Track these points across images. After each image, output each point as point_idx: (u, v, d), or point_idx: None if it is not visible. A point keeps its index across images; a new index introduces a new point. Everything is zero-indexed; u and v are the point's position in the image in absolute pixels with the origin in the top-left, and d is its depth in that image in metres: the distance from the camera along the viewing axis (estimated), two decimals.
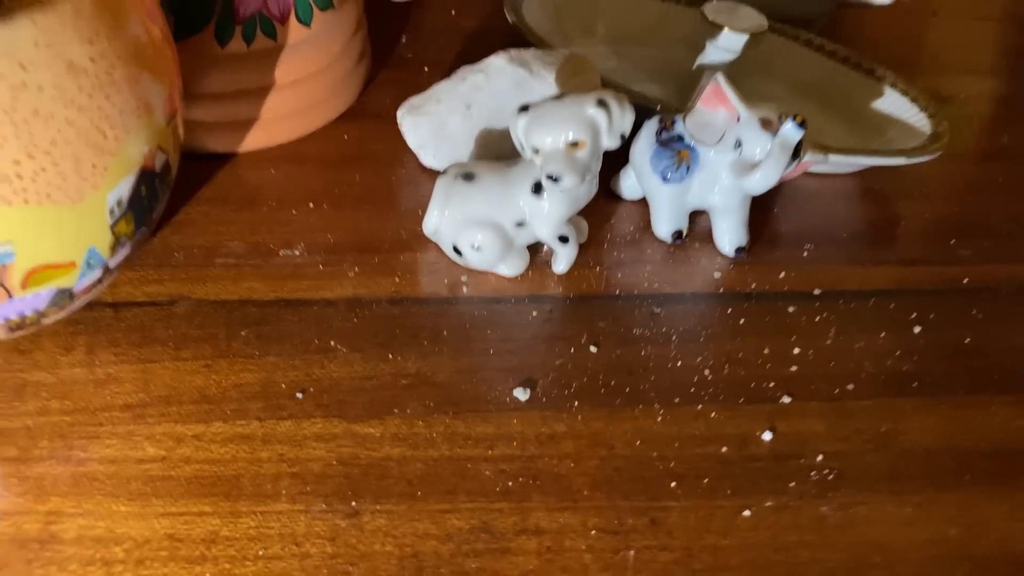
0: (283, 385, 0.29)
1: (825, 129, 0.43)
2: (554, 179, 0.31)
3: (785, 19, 0.47)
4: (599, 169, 0.33)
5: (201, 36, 0.34)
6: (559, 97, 0.32)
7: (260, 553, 0.25)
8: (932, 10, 0.57)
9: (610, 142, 0.31)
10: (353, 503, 0.27)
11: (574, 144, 0.31)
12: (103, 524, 0.25)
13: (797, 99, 0.45)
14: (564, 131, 0.31)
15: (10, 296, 0.25)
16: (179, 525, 0.26)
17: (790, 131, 0.33)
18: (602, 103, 0.31)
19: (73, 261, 0.25)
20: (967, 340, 0.36)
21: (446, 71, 0.45)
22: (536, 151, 0.31)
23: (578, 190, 0.32)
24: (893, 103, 0.43)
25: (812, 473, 0.30)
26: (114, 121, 0.24)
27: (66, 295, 0.26)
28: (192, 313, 0.31)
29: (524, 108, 0.32)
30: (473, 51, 0.46)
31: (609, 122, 0.31)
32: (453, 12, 0.47)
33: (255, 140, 0.37)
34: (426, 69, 0.45)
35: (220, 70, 0.35)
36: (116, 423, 0.28)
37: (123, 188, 0.25)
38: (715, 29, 0.41)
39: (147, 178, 0.26)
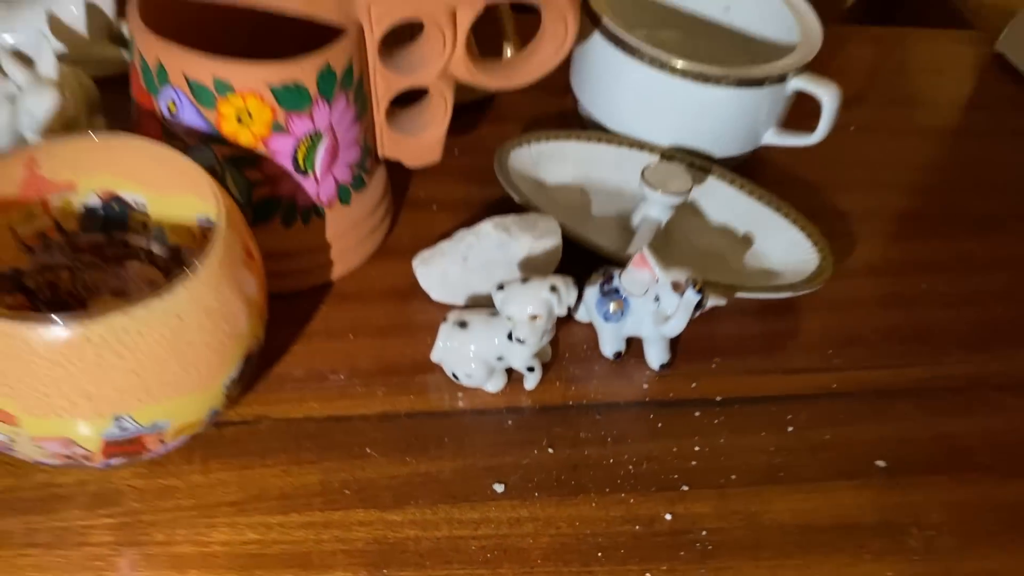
0: (335, 484, 0.43)
1: (732, 262, 0.56)
2: (520, 341, 0.44)
3: (717, 160, 0.60)
4: (553, 326, 0.46)
5: (270, 223, 0.47)
6: (525, 280, 0.44)
7: None
8: (849, 126, 0.69)
9: (560, 312, 0.44)
10: (384, 571, 0.40)
11: (534, 316, 0.44)
12: None
13: (716, 235, 0.57)
14: (527, 307, 0.44)
15: (163, 443, 0.38)
16: None
17: (690, 296, 0.46)
18: (554, 288, 0.44)
19: (202, 419, 0.38)
20: (827, 436, 0.49)
21: (452, 208, 0.58)
22: (508, 317, 0.44)
23: (540, 342, 0.45)
24: (792, 237, 0.56)
25: (697, 544, 0.43)
26: (231, 332, 0.37)
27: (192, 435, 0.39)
28: (271, 429, 0.45)
29: (500, 287, 0.45)
30: (474, 190, 0.58)
31: (559, 301, 0.44)
32: (456, 152, 0.60)
33: (307, 281, 0.50)
34: (435, 207, 0.57)
35: (283, 240, 0.48)
36: (225, 515, 0.41)
37: (235, 371, 0.38)
38: (652, 190, 0.53)
39: (249, 358, 0.39)
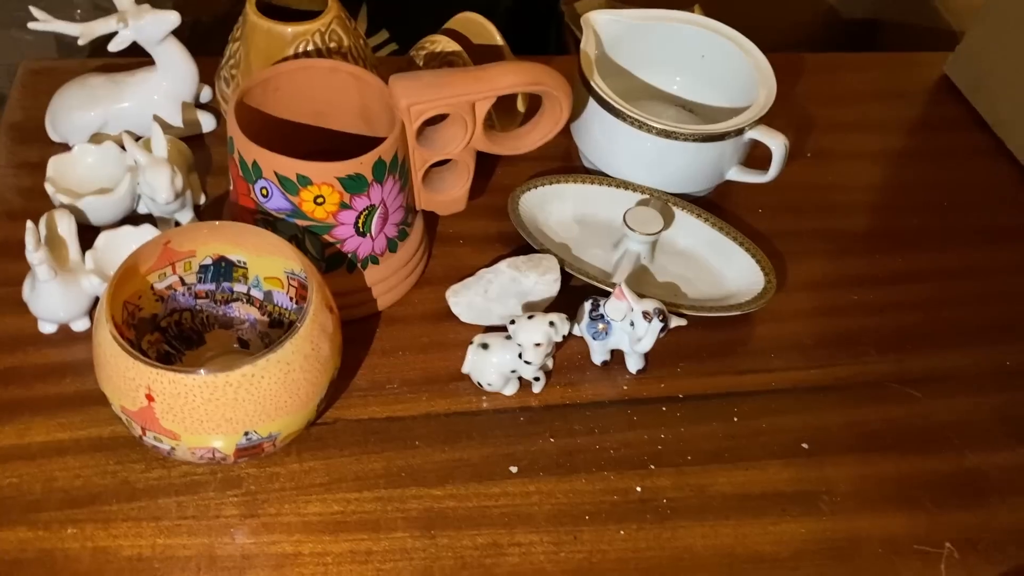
0: (394, 468, 0.58)
1: (696, 282, 0.70)
2: (528, 362, 0.59)
3: (689, 195, 0.73)
4: (552, 349, 0.60)
5: (338, 270, 0.62)
6: (530, 316, 0.59)
7: (387, 556, 0.55)
8: (805, 151, 0.82)
9: (557, 339, 0.59)
10: (431, 531, 0.56)
11: (538, 344, 0.58)
12: (319, 547, 0.55)
13: (685, 259, 0.71)
14: (532, 337, 0.58)
15: (274, 446, 0.53)
16: (353, 545, 0.55)
17: (655, 323, 0.60)
18: (552, 323, 0.58)
19: (302, 428, 0.54)
20: (764, 425, 0.63)
21: (475, 241, 0.72)
22: (519, 344, 0.59)
23: (543, 360, 0.60)
24: (745, 263, 0.70)
25: (659, 510, 0.58)
26: (321, 368, 0.53)
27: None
28: (345, 428, 0.60)
29: (512, 321, 0.59)
30: (492, 225, 0.72)
31: (556, 332, 0.59)
32: (475, 192, 0.74)
33: (365, 311, 0.65)
34: (461, 242, 0.72)
35: (347, 282, 0.62)
36: (317, 493, 0.57)
37: (324, 393, 0.54)
38: (632, 231, 0.67)
39: (332, 382, 0.55)
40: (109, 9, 0.71)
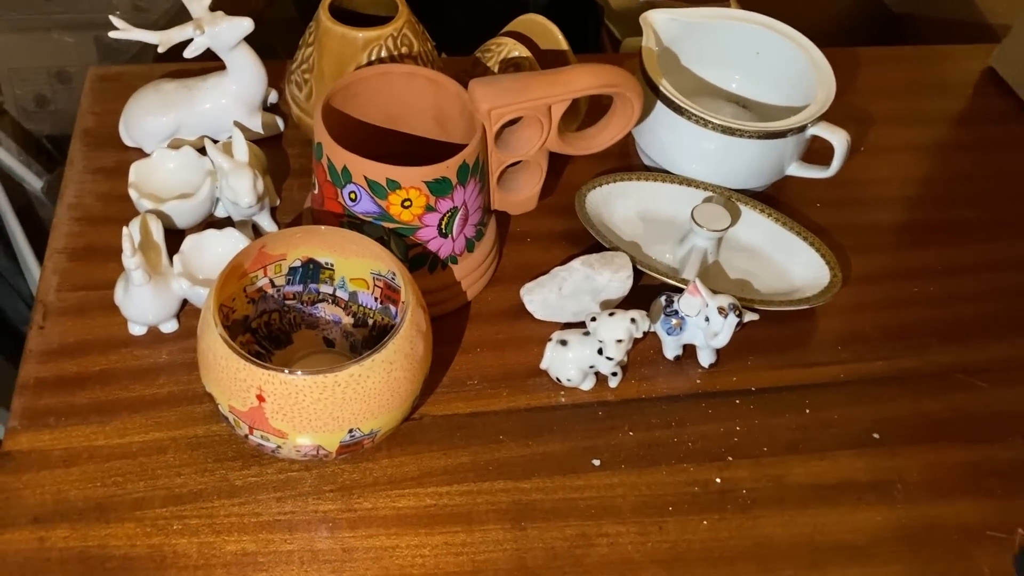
0: (481, 462, 0.60)
1: (763, 277, 0.71)
2: (609, 359, 0.60)
3: (746, 190, 0.75)
4: (632, 346, 0.62)
5: (421, 270, 0.63)
6: (611, 313, 0.61)
7: (481, 547, 0.57)
8: (859, 146, 0.84)
9: (638, 336, 0.61)
10: (521, 523, 0.58)
11: (620, 340, 0.60)
12: (416, 539, 0.57)
13: (749, 255, 0.73)
14: (615, 334, 0.60)
15: (373, 442, 0.55)
16: (448, 537, 0.57)
17: (732, 319, 0.62)
18: (633, 320, 0.60)
19: (398, 424, 0.56)
20: (835, 416, 0.65)
21: (542, 240, 0.74)
22: (600, 340, 0.61)
23: (622, 356, 0.62)
24: (809, 257, 0.71)
25: (739, 500, 0.60)
26: (418, 366, 0.54)
27: None
28: (432, 424, 0.62)
29: (593, 318, 0.61)
30: (558, 223, 0.74)
31: (637, 328, 0.60)
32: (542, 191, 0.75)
33: (445, 309, 0.67)
34: (529, 240, 0.73)
35: (429, 281, 0.64)
36: (409, 487, 0.59)
37: (419, 390, 0.55)
38: (700, 227, 0.69)
39: (425, 379, 0.56)
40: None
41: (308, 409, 0.51)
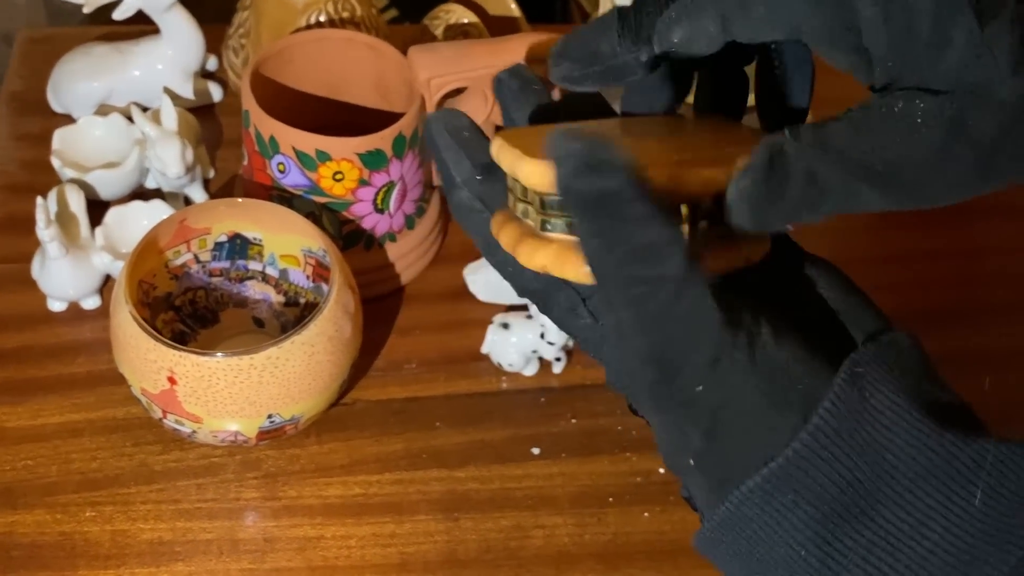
0: (415, 450, 0.58)
1: None
2: (551, 343, 0.58)
3: None
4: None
5: (356, 248, 0.60)
6: None
7: (410, 539, 0.54)
8: None
9: None
10: (454, 514, 0.55)
11: None
12: (342, 530, 0.54)
13: None
14: None
15: (296, 428, 0.53)
16: (376, 528, 0.54)
17: None
18: None
19: (324, 410, 0.53)
20: None
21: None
22: (542, 324, 0.58)
23: (566, 340, 0.59)
24: None
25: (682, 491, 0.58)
26: (344, 349, 0.52)
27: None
28: (365, 409, 0.59)
29: None
30: None
31: None
32: None
33: (383, 289, 0.64)
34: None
35: (365, 260, 0.61)
36: (337, 475, 0.56)
37: (346, 374, 0.53)
38: None
39: (354, 363, 0.54)
40: None
41: (222, 393, 0.48)
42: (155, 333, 0.48)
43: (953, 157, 0.28)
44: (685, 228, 0.29)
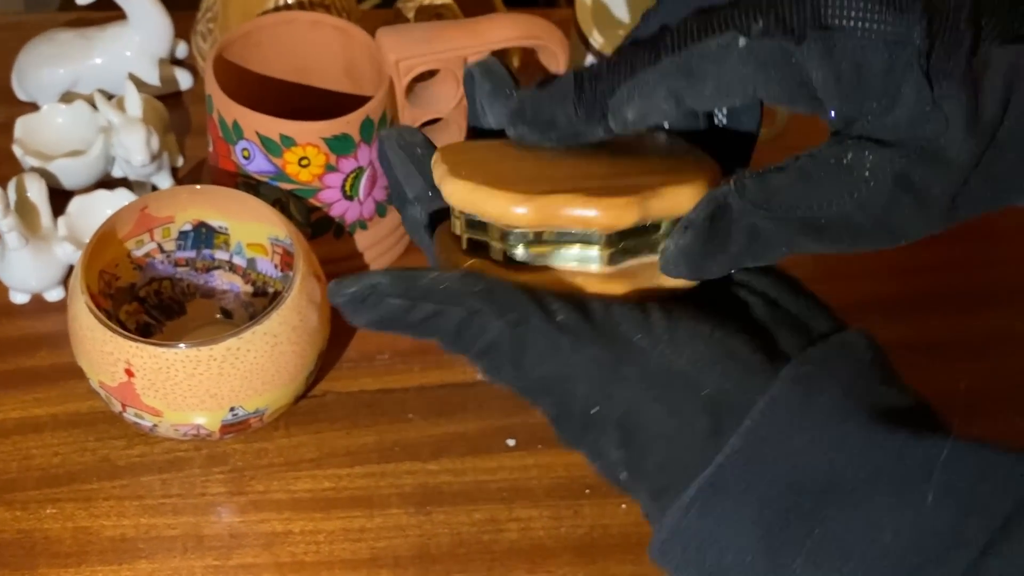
0: (387, 442, 0.56)
1: None
2: None
3: None
4: None
5: (325, 236, 0.59)
6: None
7: (381, 533, 0.53)
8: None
9: None
10: (427, 507, 0.54)
11: None
12: (311, 525, 0.53)
13: None
14: None
15: (262, 421, 0.51)
16: (345, 522, 0.53)
17: None
18: None
19: (290, 403, 0.51)
20: None
21: None
22: None
23: None
24: None
25: None
26: (310, 339, 0.50)
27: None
28: (335, 401, 0.58)
29: None
30: None
31: None
32: None
33: None
34: None
35: (336, 248, 0.60)
36: (306, 469, 0.55)
37: (313, 365, 0.51)
38: None
39: (321, 353, 0.52)
40: None
41: (182, 385, 0.47)
42: (111, 324, 0.47)
43: (900, 212, 0.28)
44: (604, 253, 0.30)
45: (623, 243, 0.30)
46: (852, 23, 0.27)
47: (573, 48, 0.68)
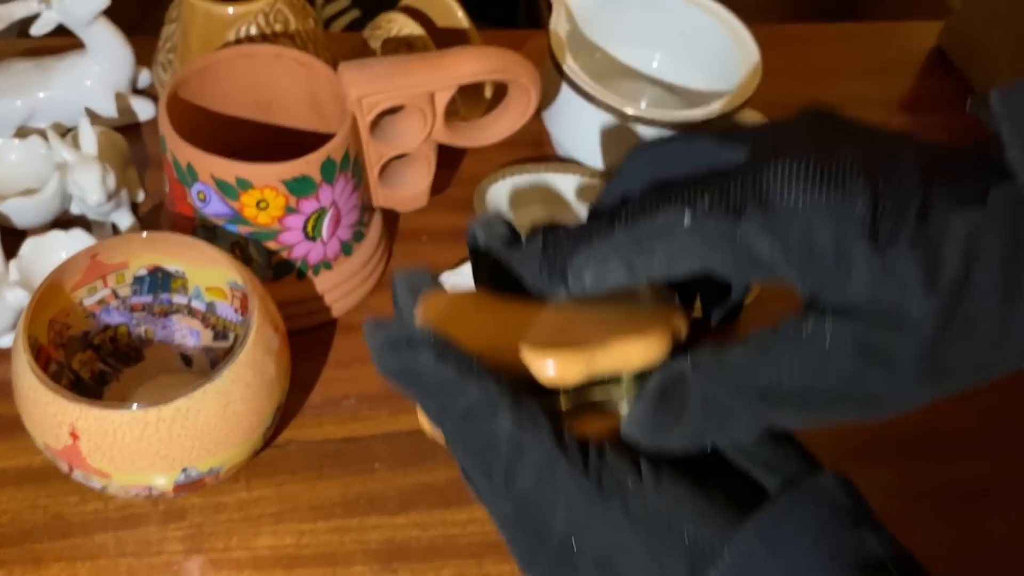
0: (351, 495, 0.54)
1: None
2: None
3: None
4: None
5: (287, 278, 0.57)
6: None
7: None
8: None
9: None
10: (392, 564, 0.52)
11: None
12: None
13: None
14: None
15: (218, 479, 0.49)
16: None
17: None
18: None
19: (246, 459, 0.49)
20: None
21: (439, 238, 0.67)
22: None
23: None
24: None
25: None
26: (266, 395, 0.48)
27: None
28: (298, 451, 0.55)
29: None
30: (457, 218, 0.67)
31: None
32: (439, 184, 0.69)
33: (318, 320, 0.60)
34: (424, 238, 0.67)
35: (298, 290, 0.58)
36: (268, 524, 0.53)
37: (270, 420, 0.49)
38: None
39: (279, 408, 0.50)
40: None
41: (130, 448, 0.45)
42: (54, 385, 0.44)
43: (870, 381, 0.27)
44: (564, 399, 0.31)
45: (585, 391, 0.30)
46: (794, 200, 0.27)
47: (547, 76, 0.66)
